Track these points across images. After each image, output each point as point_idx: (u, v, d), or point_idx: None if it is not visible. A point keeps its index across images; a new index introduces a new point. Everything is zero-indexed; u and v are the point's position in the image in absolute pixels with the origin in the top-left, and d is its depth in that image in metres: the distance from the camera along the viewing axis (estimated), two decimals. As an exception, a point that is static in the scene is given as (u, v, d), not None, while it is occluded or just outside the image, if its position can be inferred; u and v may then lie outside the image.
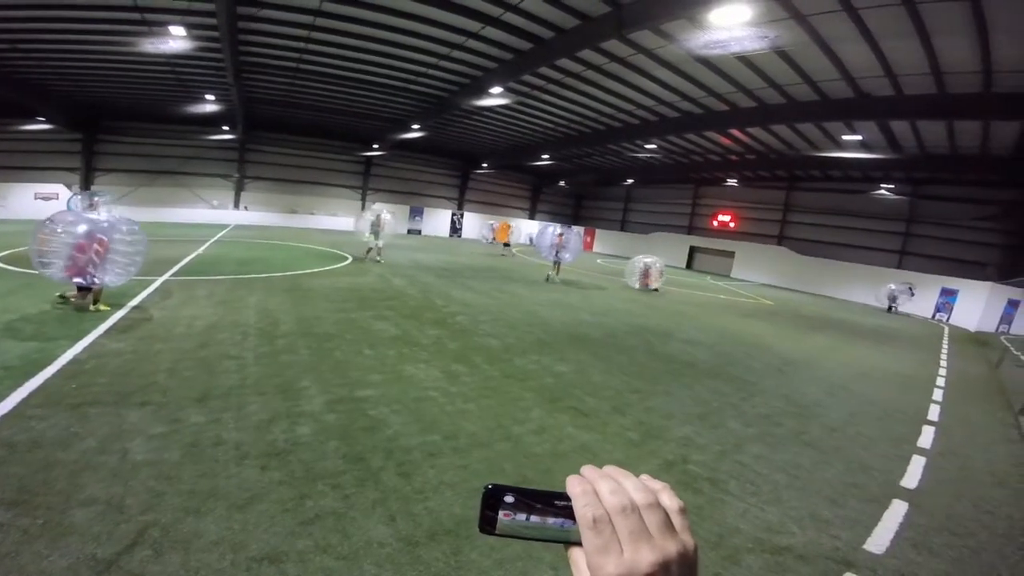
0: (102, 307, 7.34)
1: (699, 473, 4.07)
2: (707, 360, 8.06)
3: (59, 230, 6.82)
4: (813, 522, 3.46)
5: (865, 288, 22.94)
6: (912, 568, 3.06)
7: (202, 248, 15.86)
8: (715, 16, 9.19)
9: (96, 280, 7.00)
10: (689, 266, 32.82)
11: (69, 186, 26.44)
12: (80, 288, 7.10)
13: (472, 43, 13.46)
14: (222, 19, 11.57)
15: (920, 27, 9.50)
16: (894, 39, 10.30)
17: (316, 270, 13.43)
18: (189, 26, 12.52)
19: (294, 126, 28.20)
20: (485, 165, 33.94)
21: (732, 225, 31.89)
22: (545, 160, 29.51)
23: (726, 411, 5.69)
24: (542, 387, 5.80)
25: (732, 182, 30.37)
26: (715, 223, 32.80)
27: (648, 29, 10.98)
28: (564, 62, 13.99)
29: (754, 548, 3.08)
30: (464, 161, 35.81)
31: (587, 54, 13.24)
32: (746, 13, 9.07)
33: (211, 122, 25.96)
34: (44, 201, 25.80)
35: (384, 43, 14.06)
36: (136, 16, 12.47)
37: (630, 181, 35.32)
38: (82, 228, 6.93)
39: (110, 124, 26.62)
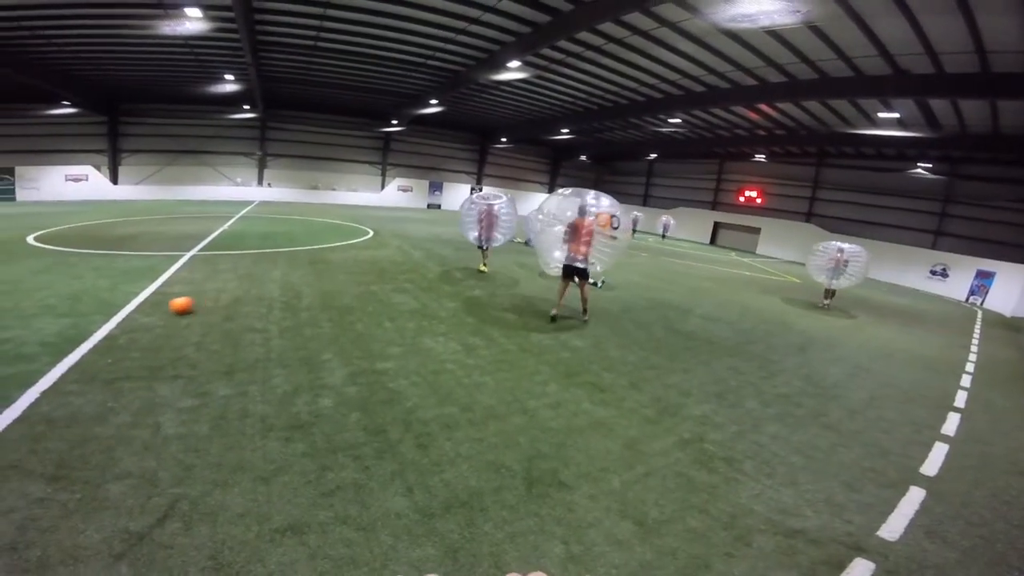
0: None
1: (715, 452, 4.07)
2: (727, 337, 7.96)
3: None
4: (827, 506, 3.44)
5: (895, 268, 22.25)
6: (924, 556, 3.04)
7: (227, 224, 16.17)
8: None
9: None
10: (713, 242, 32.32)
11: (98, 167, 27.10)
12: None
13: (488, 16, 13.19)
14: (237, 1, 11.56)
15: (963, 3, 8.96)
16: (934, 14, 9.73)
17: (337, 244, 13.61)
18: (205, 7, 12.51)
19: (313, 103, 28.29)
20: (504, 140, 33.61)
21: (759, 201, 31.09)
22: (565, 134, 29.03)
23: (745, 390, 5.65)
24: (558, 361, 5.83)
25: (760, 158, 29.50)
26: (741, 199, 32.04)
27: (672, 2, 10.58)
28: (584, 35, 13.61)
29: (766, 529, 3.09)
30: (482, 135, 35.62)
31: (608, 27, 12.84)
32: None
33: (232, 101, 26.19)
34: (75, 183, 26.56)
35: (400, 19, 13.87)
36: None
37: (653, 156, 34.58)
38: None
39: (133, 106, 27.05)
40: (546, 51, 15.16)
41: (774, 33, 11.74)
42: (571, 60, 16.21)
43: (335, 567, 2.45)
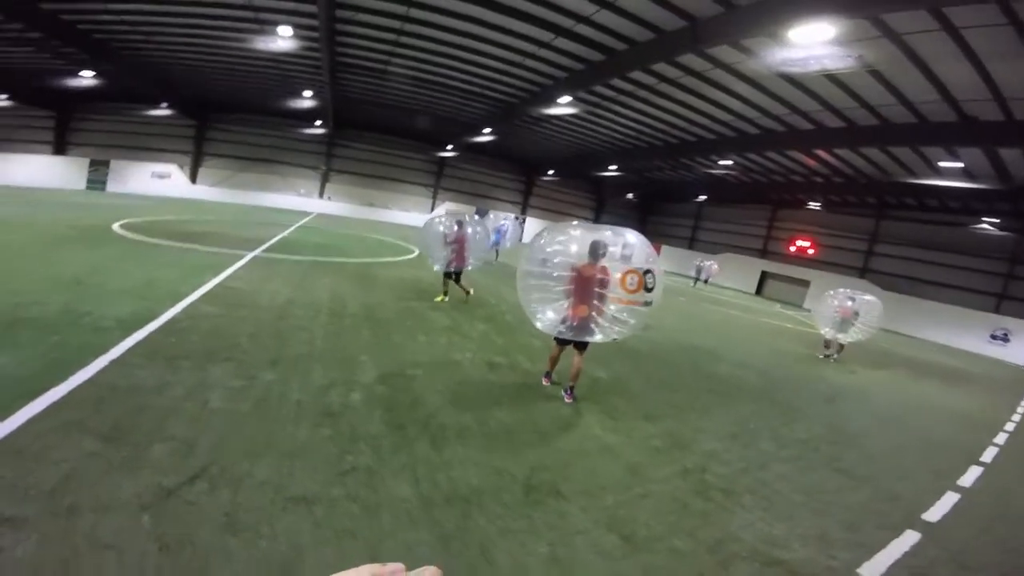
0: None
1: (714, 483, 4.14)
2: (755, 384, 7.89)
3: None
4: (818, 542, 3.46)
5: (952, 330, 21.01)
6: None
7: (287, 231, 17.32)
8: (795, 34, 8.98)
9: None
10: (759, 292, 31.36)
11: (181, 167, 29.65)
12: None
13: (544, 52, 13.87)
14: (322, 20, 12.73)
15: (1034, 48, 8.78)
16: (1002, 61, 9.56)
17: (385, 260, 14.31)
18: (295, 26, 13.81)
19: (377, 124, 29.97)
20: (551, 172, 34.27)
21: (811, 252, 30.13)
22: (612, 171, 29.38)
23: (762, 432, 5.64)
24: (577, 388, 6.01)
25: (814, 206, 28.76)
26: (792, 248, 31.13)
27: (726, 44, 10.86)
28: (637, 74, 14.05)
29: (748, 557, 3.16)
30: (529, 167, 36.53)
31: (661, 67, 13.23)
32: (829, 31, 8.80)
33: (305, 116, 28.20)
34: (159, 179, 29.13)
35: (464, 49, 14.79)
36: (250, 14, 13.93)
37: (702, 198, 34.32)
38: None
39: (220, 114, 29.52)
40: (599, 88, 15.67)
41: (832, 77, 11.77)
42: (623, 98, 16.67)
43: (336, 537, 2.75)
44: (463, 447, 4.03)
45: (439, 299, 9.68)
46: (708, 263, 28.87)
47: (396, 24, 13.86)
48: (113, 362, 4.55)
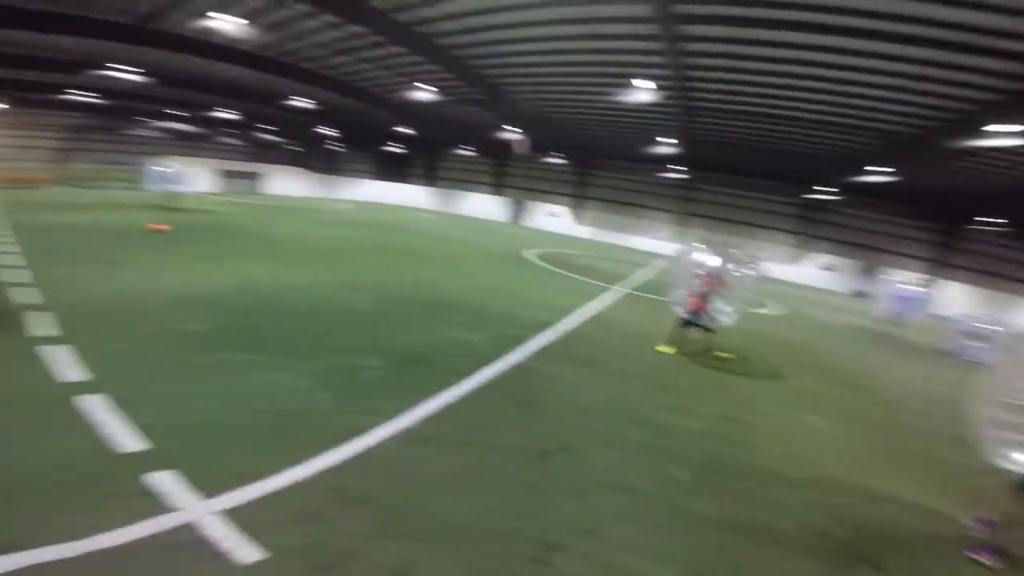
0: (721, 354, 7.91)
1: None
2: None
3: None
4: None
5: None
6: None
7: (644, 270, 19.48)
8: None
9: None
10: None
11: (567, 208, 36.66)
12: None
13: (960, 76, 11.33)
14: (674, 71, 14.00)
15: None
16: None
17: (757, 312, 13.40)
18: (653, 77, 15.59)
19: (734, 165, 29.09)
20: (991, 218, 24.72)
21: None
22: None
23: None
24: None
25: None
26: None
27: None
28: None
29: None
30: (950, 212, 27.33)
31: None
32: None
33: (664, 161, 29.83)
34: (551, 217, 36.90)
35: (838, 82, 13.63)
36: (612, 71, 16.56)
37: None
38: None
39: (596, 160, 35.15)
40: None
41: None
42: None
43: None
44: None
45: (665, 349, 7.99)
46: None
47: (751, 65, 13.97)
48: (531, 353, 6.84)
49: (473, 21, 14.58)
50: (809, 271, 29.77)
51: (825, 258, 29.98)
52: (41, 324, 5.51)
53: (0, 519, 2.70)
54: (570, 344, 7.50)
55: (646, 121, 22.80)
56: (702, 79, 16.34)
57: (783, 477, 4.52)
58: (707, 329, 7.89)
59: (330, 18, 14.73)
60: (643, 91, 16.90)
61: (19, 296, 6.38)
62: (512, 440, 4.41)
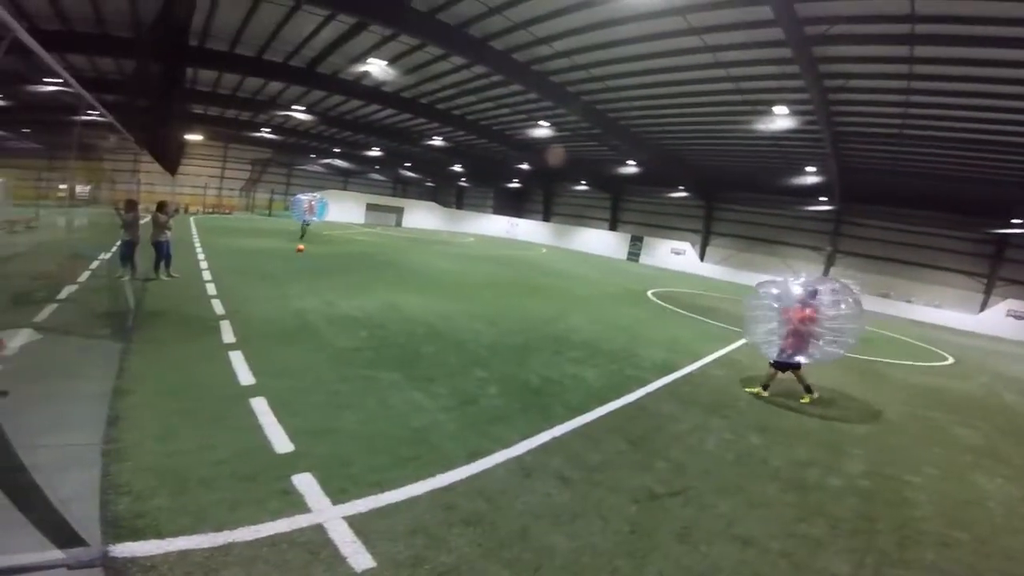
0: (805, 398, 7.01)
1: None
2: None
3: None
4: None
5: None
6: None
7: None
8: None
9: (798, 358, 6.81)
10: None
11: (692, 244, 34.79)
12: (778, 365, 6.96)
13: None
14: (814, 95, 12.82)
15: None
16: None
17: (899, 361, 12.00)
18: (788, 103, 14.36)
19: (897, 196, 24.94)
20: None
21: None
22: None
23: None
24: None
25: None
26: None
27: None
28: None
29: None
30: None
31: None
32: None
33: (807, 193, 26.59)
34: (675, 255, 35.24)
35: (1007, 97, 11.58)
36: (740, 98, 15.69)
37: None
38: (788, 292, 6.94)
39: (724, 193, 32.59)
40: None
41: None
42: None
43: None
44: None
45: (753, 390, 7.20)
46: None
47: (900, 84, 12.27)
48: (647, 393, 6.54)
49: (585, 58, 15.22)
50: (996, 320, 24.23)
51: (1015, 304, 24.20)
52: (227, 332, 6.77)
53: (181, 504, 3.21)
54: (695, 387, 7.03)
55: (783, 149, 21.22)
56: (849, 102, 14.86)
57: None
58: (795, 368, 6.91)
59: (458, 59, 16.32)
60: (778, 118, 15.86)
61: (217, 307, 8.03)
62: (624, 480, 4.27)
